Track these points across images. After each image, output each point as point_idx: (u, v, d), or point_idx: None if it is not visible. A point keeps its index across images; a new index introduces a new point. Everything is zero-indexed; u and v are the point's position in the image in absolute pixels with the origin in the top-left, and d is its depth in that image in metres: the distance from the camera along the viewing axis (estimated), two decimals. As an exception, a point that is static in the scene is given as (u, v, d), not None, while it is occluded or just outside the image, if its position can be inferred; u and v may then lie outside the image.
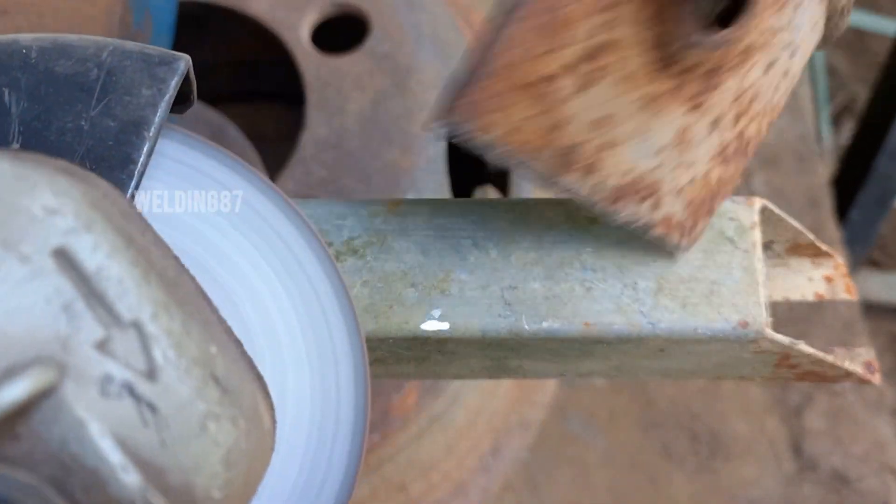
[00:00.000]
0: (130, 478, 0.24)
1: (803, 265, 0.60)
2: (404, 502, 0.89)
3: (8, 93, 0.34)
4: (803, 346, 0.52)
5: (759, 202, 0.54)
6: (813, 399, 1.42)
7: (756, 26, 0.46)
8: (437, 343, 0.52)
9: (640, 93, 0.46)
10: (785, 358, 0.54)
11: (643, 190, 0.49)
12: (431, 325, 0.51)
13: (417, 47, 0.91)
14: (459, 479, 0.91)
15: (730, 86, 0.48)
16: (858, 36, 2.08)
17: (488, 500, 0.91)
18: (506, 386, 0.96)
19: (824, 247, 0.59)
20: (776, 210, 0.55)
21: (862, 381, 0.57)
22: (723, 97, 0.48)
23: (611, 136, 0.46)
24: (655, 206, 0.49)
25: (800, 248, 0.59)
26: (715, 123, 0.49)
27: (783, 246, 0.59)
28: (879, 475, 1.37)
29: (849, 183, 1.80)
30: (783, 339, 0.52)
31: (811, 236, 0.58)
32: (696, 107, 0.48)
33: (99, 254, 0.24)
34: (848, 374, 0.56)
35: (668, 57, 0.46)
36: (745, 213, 0.54)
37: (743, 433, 1.38)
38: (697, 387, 1.39)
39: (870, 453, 1.38)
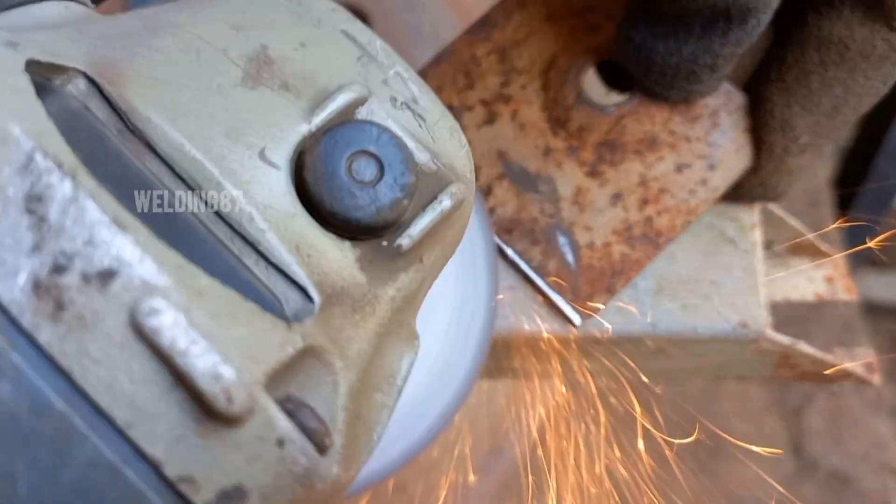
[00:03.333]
0: (422, 155, 0.35)
1: (803, 265, 0.60)
2: (404, 502, 0.89)
3: None
4: (803, 346, 0.52)
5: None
6: (813, 399, 1.42)
7: (649, 116, 0.52)
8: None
9: (540, 142, 0.52)
10: (785, 358, 0.54)
11: (537, 232, 0.52)
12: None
13: (417, 48, 0.91)
14: (459, 480, 0.91)
15: (633, 168, 0.52)
16: (858, 36, 2.08)
17: (488, 500, 0.91)
18: (506, 386, 0.96)
19: (824, 247, 0.59)
20: (776, 210, 0.55)
21: (862, 382, 0.57)
22: (625, 176, 0.52)
23: (507, 169, 0.51)
24: (546, 254, 0.52)
25: (800, 248, 0.59)
26: (617, 198, 0.52)
27: (783, 246, 0.59)
28: (879, 475, 1.37)
29: (849, 183, 1.80)
30: (783, 339, 0.52)
31: (811, 236, 0.58)
32: (593, 174, 0.52)
33: (368, 32, 0.37)
34: (848, 375, 0.56)
35: (556, 118, 0.52)
36: (745, 214, 0.54)
37: (743, 433, 1.38)
38: (697, 387, 1.39)
39: (870, 453, 1.38)
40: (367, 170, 0.33)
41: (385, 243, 0.35)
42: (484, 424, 0.93)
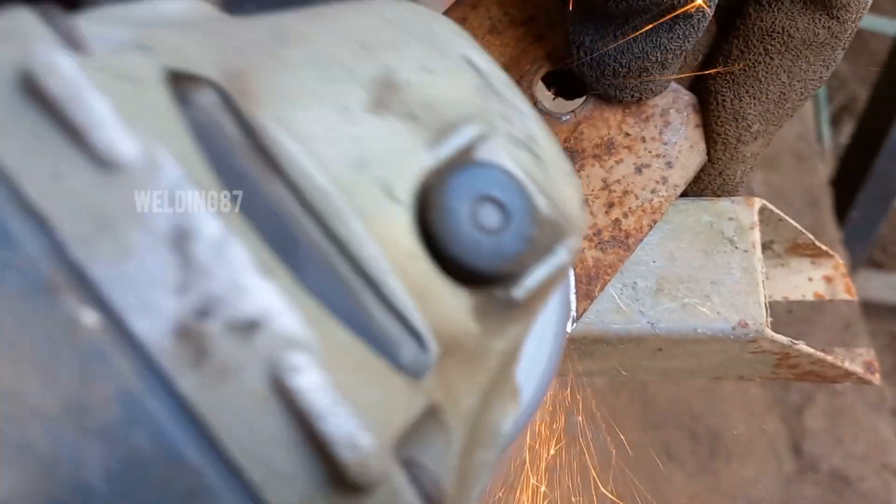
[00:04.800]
0: (542, 201, 0.33)
1: (803, 265, 0.60)
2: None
3: None
4: (803, 346, 0.52)
5: (758, 202, 0.54)
6: (813, 399, 1.42)
7: (604, 120, 0.53)
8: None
9: None
10: (785, 358, 0.54)
11: None
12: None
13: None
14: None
15: (595, 173, 0.53)
16: (858, 36, 2.08)
17: (488, 499, 0.91)
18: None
19: (824, 247, 0.59)
20: (776, 210, 0.55)
21: (862, 381, 0.57)
22: (587, 182, 0.53)
23: None
24: None
25: (799, 248, 0.59)
26: (583, 203, 0.53)
27: (783, 246, 0.59)
28: (879, 475, 1.37)
29: (849, 183, 1.80)
30: (783, 339, 0.52)
31: (811, 236, 0.58)
32: None
33: (490, 62, 0.36)
34: (848, 374, 0.56)
35: None
36: (744, 213, 0.54)
37: (743, 433, 1.38)
38: (697, 387, 1.39)
39: (870, 453, 1.38)
40: (491, 217, 0.32)
41: (500, 294, 0.33)
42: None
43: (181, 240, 0.25)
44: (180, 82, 0.29)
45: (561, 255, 0.34)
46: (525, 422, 0.47)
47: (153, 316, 0.25)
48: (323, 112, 0.31)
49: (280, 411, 0.26)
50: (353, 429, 0.26)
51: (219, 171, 0.28)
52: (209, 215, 0.26)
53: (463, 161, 0.33)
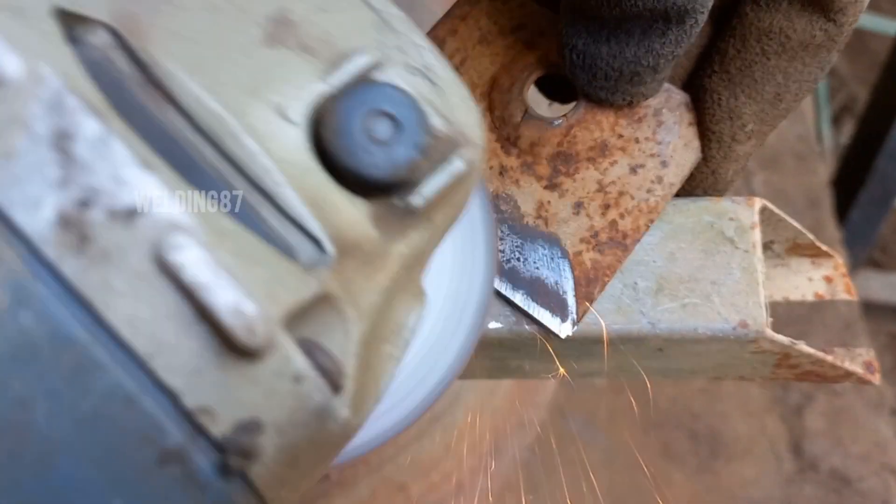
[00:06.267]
0: (436, 119, 0.36)
1: (803, 265, 0.60)
2: (404, 502, 0.89)
3: None
4: (803, 346, 0.52)
5: (758, 202, 0.54)
6: (813, 399, 1.42)
7: (596, 123, 0.53)
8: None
9: (494, 162, 0.53)
10: (785, 358, 0.54)
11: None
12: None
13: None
14: (459, 479, 0.91)
15: (590, 175, 0.53)
16: (858, 36, 2.08)
17: (488, 500, 0.91)
18: (506, 386, 0.96)
19: (824, 247, 0.59)
20: (776, 210, 0.55)
21: (862, 381, 0.57)
22: (583, 184, 0.53)
23: None
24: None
25: (800, 248, 0.59)
26: (579, 206, 0.53)
27: (783, 246, 0.59)
28: (879, 475, 1.37)
29: (849, 183, 1.80)
30: (783, 339, 0.52)
31: (811, 236, 0.58)
32: (552, 186, 0.53)
33: (384, 1, 0.37)
34: (848, 374, 0.56)
35: (506, 137, 0.54)
36: (744, 213, 0.54)
37: (743, 433, 1.38)
38: (697, 387, 1.39)
39: (870, 453, 1.38)
40: (383, 129, 0.34)
41: (397, 202, 0.36)
42: (484, 424, 0.93)
43: (62, 140, 0.27)
44: (72, 21, 0.31)
45: (456, 164, 0.36)
46: (452, 347, 0.47)
47: (35, 209, 0.27)
48: (215, 47, 0.34)
49: (164, 287, 0.28)
50: (236, 296, 0.28)
51: (113, 103, 0.29)
52: (90, 118, 0.28)
53: (356, 84, 0.35)
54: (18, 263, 0.27)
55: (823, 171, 1.70)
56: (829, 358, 0.54)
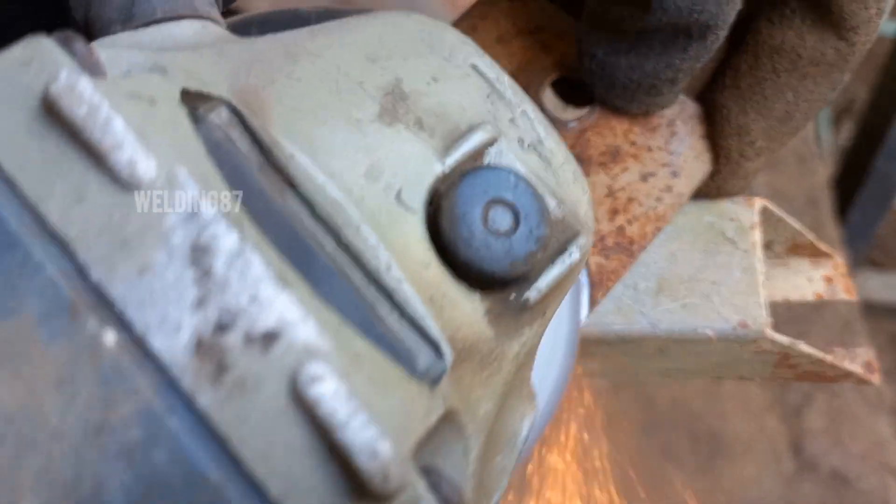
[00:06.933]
0: (551, 202, 0.35)
1: (803, 265, 0.60)
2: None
3: None
4: (803, 346, 0.52)
5: (759, 202, 0.54)
6: (813, 399, 1.42)
7: (610, 129, 0.53)
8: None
9: None
10: (785, 358, 0.54)
11: None
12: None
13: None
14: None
15: (600, 180, 0.53)
16: (858, 36, 2.08)
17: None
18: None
19: (824, 247, 0.59)
20: (776, 210, 0.55)
21: (861, 381, 0.57)
22: (593, 189, 0.52)
23: None
24: None
25: (800, 248, 0.59)
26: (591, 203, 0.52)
27: (783, 246, 0.59)
28: (879, 475, 1.37)
29: (849, 183, 1.80)
30: (783, 339, 0.52)
31: (811, 236, 0.58)
32: None
33: (497, 68, 0.37)
34: (848, 374, 0.56)
35: None
36: (744, 214, 0.54)
37: (743, 433, 1.38)
38: (697, 387, 1.39)
39: (870, 453, 1.38)
40: (503, 219, 0.32)
41: (513, 297, 0.34)
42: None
43: (199, 255, 0.26)
44: (194, 101, 0.30)
45: (573, 255, 0.34)
46: (542, 426, 0.46)
47: (172, 332, 0.25)
48: (333, 124, 0.32)
49: (299, 422, 0.26)
50: (373, 436, 0.26)
51: (233, 187, 0.28)
52: (228, 230, 0.26)
53: (473, 166, 0.33)
54: (152, 394, 0.25)
55: (823, 171, 1.70)
56: (829, 358, 0.54)
